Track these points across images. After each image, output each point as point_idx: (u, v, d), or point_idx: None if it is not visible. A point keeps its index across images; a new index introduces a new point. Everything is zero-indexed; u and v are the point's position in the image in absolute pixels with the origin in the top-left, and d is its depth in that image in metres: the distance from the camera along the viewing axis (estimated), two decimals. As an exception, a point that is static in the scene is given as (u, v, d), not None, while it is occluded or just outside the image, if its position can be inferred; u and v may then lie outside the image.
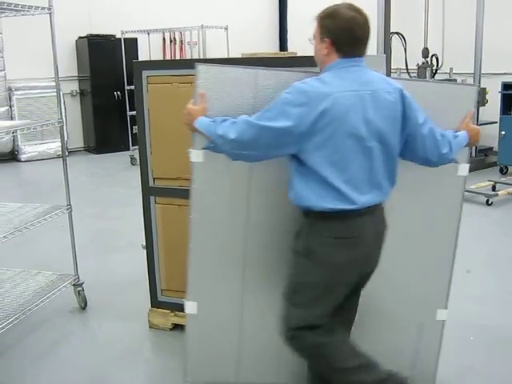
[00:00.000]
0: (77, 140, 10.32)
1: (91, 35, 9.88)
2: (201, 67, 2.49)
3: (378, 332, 2.83)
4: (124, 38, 9.82)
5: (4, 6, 3.34)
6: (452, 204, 2.72)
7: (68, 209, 3.78)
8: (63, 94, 9.88)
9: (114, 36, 9.95)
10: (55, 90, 10.68)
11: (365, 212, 2.31)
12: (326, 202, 2.27)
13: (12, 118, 9.35)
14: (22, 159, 9.52)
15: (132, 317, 3.69)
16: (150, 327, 3.59)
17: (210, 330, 2.83)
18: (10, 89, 9.38)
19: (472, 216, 5.90)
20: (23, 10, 3.48)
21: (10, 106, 9.42)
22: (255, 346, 2.84)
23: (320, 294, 2.38)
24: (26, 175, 9.04)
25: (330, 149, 2.24)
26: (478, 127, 2.64)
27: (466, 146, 2.58)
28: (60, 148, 9.94)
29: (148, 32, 9.18)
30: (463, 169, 2.66)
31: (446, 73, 8.63)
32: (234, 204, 2.67)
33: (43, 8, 3.45)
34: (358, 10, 2.32)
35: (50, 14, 3.51)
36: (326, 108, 2.20)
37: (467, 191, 6.43)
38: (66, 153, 10.01)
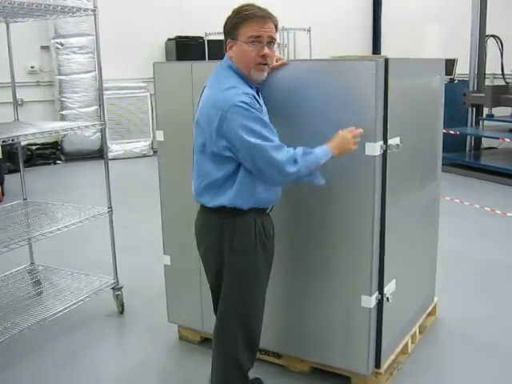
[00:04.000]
0: (162, 140, 10.50)
1: (179, 37, 10.02)
2: (156, 64, 3.21)
3: (309, 317, 2.91)
4: (211, 40, 9.92)
5: (50, 9, 3.38)
6: (366, 185, 2.63)
7: (109, 212, 3.77)
8: (150, 95, 10.11)
9: (201, 38, 10.05)
10: (143, 90, 10.88)
11: None
12: None
13: (100, 118, 9.65)
14: (109, 157, 9.76)
15: (165, 326, 3.60)
16: (179, 338, 3.49)
17: (181, 280, 3.34)
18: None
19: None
20: (70, 12, 3.50)
21: (100, 106, 9.73)
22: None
23: None
24: (111, 173, 9.27)
25: None
26: (347, 135, 2.43)
27: (333, 156, 2.41)
28: (146, 147, 10.34)
29: (232, 34, 9.18)
30: (371, 148, 2.55)
31: (545, 79, 7.95)
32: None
33: (86, 10, 3.44)
34: None
35: (95, 15, 3.50)
36: None
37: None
38: (151, 152, 10.37)
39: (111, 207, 3.78)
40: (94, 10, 3.48)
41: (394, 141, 2.67)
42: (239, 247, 2.42)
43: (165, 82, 3.15)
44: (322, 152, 2.37)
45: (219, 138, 2.28)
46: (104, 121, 3.67)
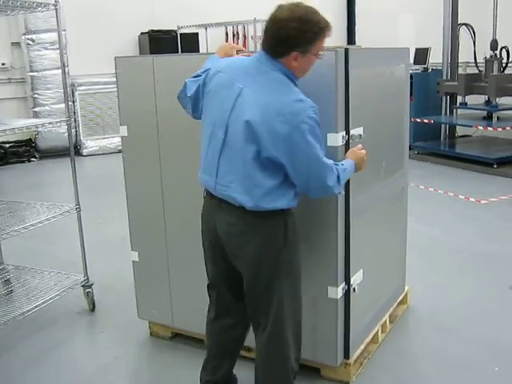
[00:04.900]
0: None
1: (152, 31, 9.93)
2: (117, 59, 3.14)
3: None
4: (185, 33, 9.85)
5: (9, 4, 3.30)
6: None
7: (77, 209, 3.72)
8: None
9: (174, 31, 9.98)
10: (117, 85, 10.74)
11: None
12: None
13: (75, 114, 9.56)
14: (84, 153, 9.70)
15: (137, 322, 3.56)
16: (150, 334, 3.47)
17: (150, 275, 3.33)
18: (73, 84, 9.58)
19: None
20: (31, 8, 3.44)
21: (73, 102, 9.62)
22: (183, 296, 3.20)
23: None
24: (86, 170, 9.20)
25: None
26: (359, 152, 2.54)
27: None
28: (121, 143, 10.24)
29: (206, 27, 9.12)
30: (333, 138, 2.54)
31: (517, 66, 7.99)
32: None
33: (47, 5, 3.38)
34: (282, 8, 2.25)
35: (56, 10, 3.44)
36: None
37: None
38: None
39: (79, 204, 3.74)
40: (55, 5, 3.42)
41: (356, 131, 2.67)
42: (291, 242, 2.38)
43: (127, 77, 3.11)
44: (350, 168, 2.45)
45: (277, 150, 2.17)
46: (69, 117, 3.60)
